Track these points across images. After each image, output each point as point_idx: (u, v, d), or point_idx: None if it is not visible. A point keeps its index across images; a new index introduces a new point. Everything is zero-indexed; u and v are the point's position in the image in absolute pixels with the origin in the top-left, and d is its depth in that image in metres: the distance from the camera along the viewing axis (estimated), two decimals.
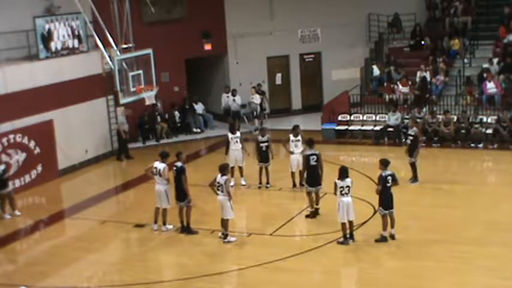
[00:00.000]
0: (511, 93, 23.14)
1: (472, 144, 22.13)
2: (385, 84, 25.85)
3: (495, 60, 24.56)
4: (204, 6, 25.80)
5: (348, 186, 14.23)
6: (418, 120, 21.99)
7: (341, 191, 14.21)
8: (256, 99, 26.45)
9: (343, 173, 14.29)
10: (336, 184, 14.25)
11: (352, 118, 24.63)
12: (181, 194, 15.39)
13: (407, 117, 23.09)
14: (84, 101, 21.88)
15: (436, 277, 12.86)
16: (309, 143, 16.60)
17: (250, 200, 18.28)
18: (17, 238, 16.54)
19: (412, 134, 18.45)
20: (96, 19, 19.57)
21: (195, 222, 15.67)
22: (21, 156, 19.69)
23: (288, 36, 27.47)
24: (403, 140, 22.38)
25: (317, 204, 16.25)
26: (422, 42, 27.20)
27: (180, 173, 15.34)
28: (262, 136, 18.66)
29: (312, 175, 16.15)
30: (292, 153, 18.13)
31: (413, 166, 18.39)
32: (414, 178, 18.39)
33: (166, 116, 25.46)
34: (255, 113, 26.45)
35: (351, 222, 14.47)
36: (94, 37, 20.27)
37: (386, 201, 14.39)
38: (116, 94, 20.35)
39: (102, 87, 22.32)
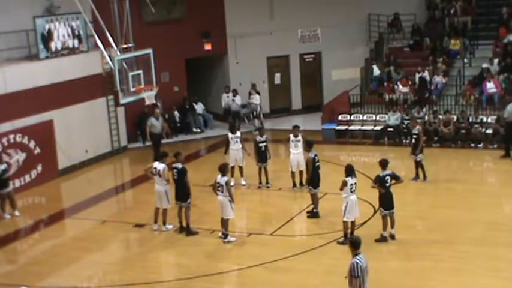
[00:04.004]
0: (511, 93, 23.14)
1: (472, 144, 22.14)
2: (385, 84, 25.85)
3: (495, 61, 24.57)
4: (204, 6, 25.81)
5: (356, 183, 14.23)
6: (418, 120, 21.98)
7: (351, 189, 14.18)
8: (256, 99, 26.47)
9: (352, 171, 14.25)
10: (345, 182, 14.13)
11: (352, 118, 24.63)
12: (183, 195, 15.39)
13: (407, 117, 23.11)
14: (84, 101, 21.87)
15: (436, 277, 12.86)
16: (308, 144, 16.56)
17: (250, 200, 18.28)
18: (17, 238, 16.54)
19: (416, 132, 18.50)
20: (96, 19, 19.59)
21: (195, 222, 15.68)
22: (21, 156, 19.69)
23: (288, 36, 27.49)
24: (406, 140, 22.43)
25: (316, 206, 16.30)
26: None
27: (182, 174, 15.33)
28: (261, 136, 18.67)
29: (318, 176, 16.17)
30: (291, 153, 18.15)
31: (419, 164, 18.46)
32: (423, 177, 18.50)
33: (166, 116, 25.45)
34: (254, 113, 26.46)
35: (352, 222, 14.47)
36: (94, 37, 20.28)
37: (386, 201, 14.39)
38: (115, 94, 20.37)
39: (102, 87, 22.32)
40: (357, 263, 9.78)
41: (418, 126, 18.85)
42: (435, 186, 18.38)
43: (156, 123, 21.60)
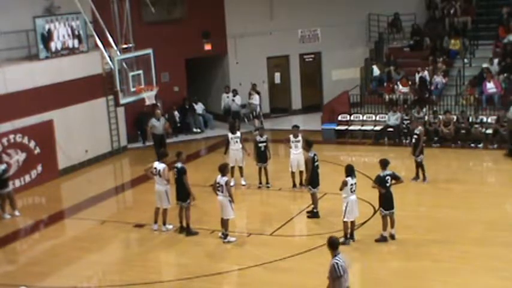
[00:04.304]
0: (511, 93, 23.14)
1: (472, 144, 22.14)
2: (385, 84, 25.85)
3: (495, 61, 24.57)
4: (204, 6, 25.81)
5: (356, 184, 14.24)
6: (419, 120, 21.98)
7: (351, 189, 14.19)
8: (256, 99, 26.48)
9: (352, 171, 14.25)
10: (346, 182, 14.12)
11: (352, 118, 24.63)
12: (183, 194, 15.39)
13: (407, 117, 23.10)
14: (84, 101, 21.86)
15: (436, 277, 12.86)
16: (308, 144, 16.54)
17: (250, 200, 18.28)
18: (17, 238, 16.54)
19: (418, 133, 18.52)
20: (96, 19, 19.60)
21: (195, 222, 15.68)
22: (21, 156, 19.69)
23: (288, 36, 27.49)
24: (406, 140, 22.44)
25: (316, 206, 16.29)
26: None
27: (181, 174, 15.34)
28: (261, 136, 18.68)
29: (318, 175, 16.17)
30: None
31: (419, 165, 18.46)
32: (422, 177, 18.51)
33: (166, 116, 25.43)
34: (254, 113, 26.46)
35: (352, 222, 14.48)
36: (94, 37, 20.29)
37: (386, 201, 14.39)
38: (116, 94, 20.37)
39: (102, 87, 22.32)
40: (337, 263, 9.83)
41: (419, 127, 18.86)
42: (435, 186, 18.38)
43: (156, 124, 21.52)
